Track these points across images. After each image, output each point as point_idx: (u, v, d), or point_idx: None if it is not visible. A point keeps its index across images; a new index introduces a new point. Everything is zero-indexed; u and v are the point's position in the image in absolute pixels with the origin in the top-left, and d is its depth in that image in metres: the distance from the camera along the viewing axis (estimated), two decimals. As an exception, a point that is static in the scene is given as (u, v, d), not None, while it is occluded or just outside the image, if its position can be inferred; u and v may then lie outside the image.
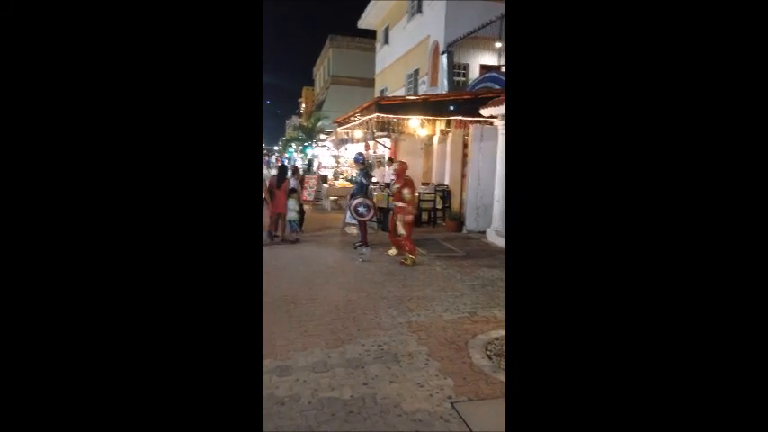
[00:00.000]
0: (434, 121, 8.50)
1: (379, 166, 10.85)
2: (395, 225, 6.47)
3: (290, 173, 8.26)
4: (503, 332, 3.89)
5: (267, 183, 7.56)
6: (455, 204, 9.63)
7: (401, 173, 6.46)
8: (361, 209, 7.13)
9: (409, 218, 6.35)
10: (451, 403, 2.76)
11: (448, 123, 8.59)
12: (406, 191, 6.28)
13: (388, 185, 8.98)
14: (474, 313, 4.40)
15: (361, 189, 7.31)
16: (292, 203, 7.71)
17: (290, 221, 7.74)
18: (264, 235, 7.35)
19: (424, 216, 9.52)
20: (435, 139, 11.01)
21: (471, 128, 8.75)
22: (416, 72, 13.71)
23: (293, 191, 7.80)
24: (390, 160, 10.93)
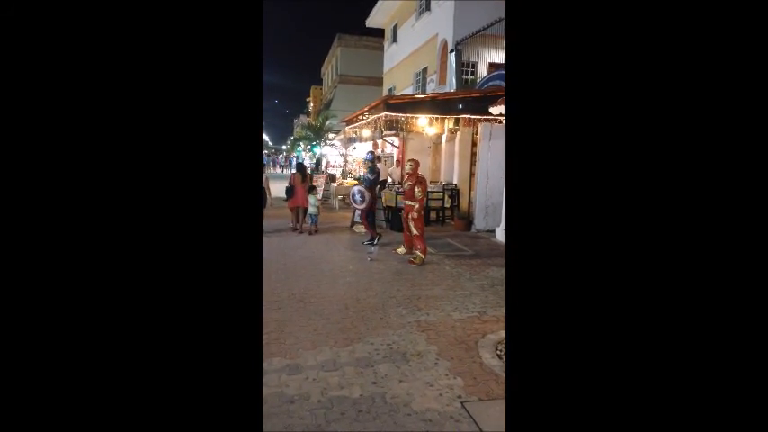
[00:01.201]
0: (443, 119, 8.49)
1: (379, 162, 10.93)
2: (408, 224, 6.48)
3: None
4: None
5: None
6: (464, 203, 9.60)
7: (414, 171, 6.46)
8: (357, 197, 7.40)
9: (415, 214, 6.36)
10: (461, 403, 2.76)
11: (456, 122, 8.57)
12: (417, 189, 6.29)
13: (383, 183, 9.08)
14: (483, 313, 4.39)
15: (369, 185, 7.44)
16: (313, 199, 8.47)
17: (310, 215, 8.46)
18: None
19: (433, 215, 9.50)
20: (444, 138, 10.98)
21: (480, 126, 8.71)
22: (425, 71, 13.68)
23: (313, 188, 8.66)
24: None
